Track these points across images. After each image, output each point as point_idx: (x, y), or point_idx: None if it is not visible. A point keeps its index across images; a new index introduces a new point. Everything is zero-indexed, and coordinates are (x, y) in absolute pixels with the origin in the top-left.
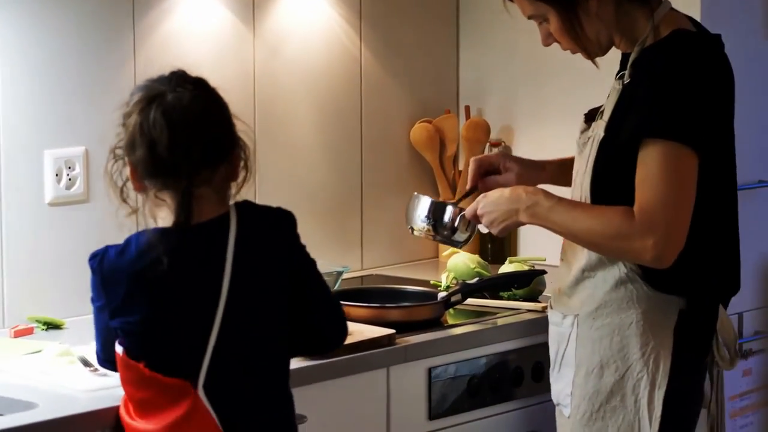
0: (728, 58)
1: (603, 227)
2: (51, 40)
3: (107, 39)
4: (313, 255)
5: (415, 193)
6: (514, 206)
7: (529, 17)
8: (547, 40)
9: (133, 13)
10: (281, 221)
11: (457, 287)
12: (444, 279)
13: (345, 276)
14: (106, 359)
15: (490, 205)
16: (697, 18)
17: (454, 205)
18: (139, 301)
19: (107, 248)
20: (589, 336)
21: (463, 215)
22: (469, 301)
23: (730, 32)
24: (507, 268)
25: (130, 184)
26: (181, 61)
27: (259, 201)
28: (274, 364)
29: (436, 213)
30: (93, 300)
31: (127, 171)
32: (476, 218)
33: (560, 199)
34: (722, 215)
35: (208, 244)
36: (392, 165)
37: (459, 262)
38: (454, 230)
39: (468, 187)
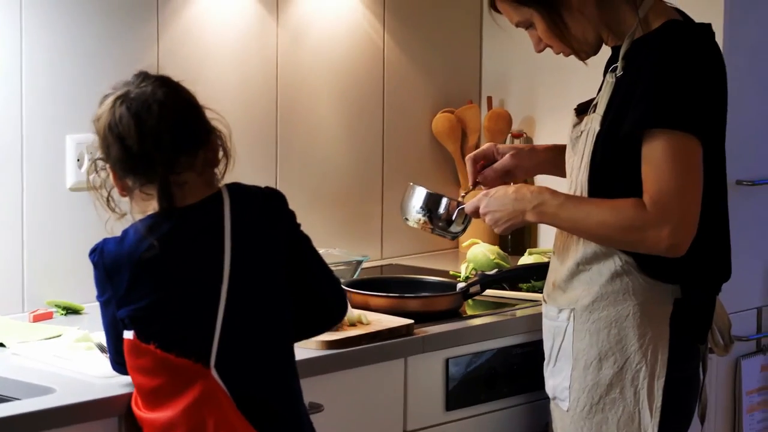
0: (719, 48)
1: (616, 220)
2: (74, 26)
3: (130, 25)
4: (333, 243)
5: (411, 184)
6: (520, 206)
7: (517, 25)
8: (539, 45)
9: (156, 1)
10: (273, 197)
11: (476, 278)
12: (463, 269)
13: (365, 265)
14: (119, 362)
15: (494, 204)
16: (721, 8)
17: (450, 198)
18: (143, 287)
19: (105, 240)
20: (586, 329)
21: (462, 209)
22: (488, 292)
23: (755, 23)
24: (526, 259)
25: (115, 193)
26: (203, 48)
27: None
28: (281, 339)
29: (431, 204)
30: (98, 296)
31: (111, 179)
32: (476, 215)
33: (568, 196)
34: (714, 204)
35: (204, 222)
36: (414, 155)
37: (478, 252)
38: (449, 222)
39: (471, 184)
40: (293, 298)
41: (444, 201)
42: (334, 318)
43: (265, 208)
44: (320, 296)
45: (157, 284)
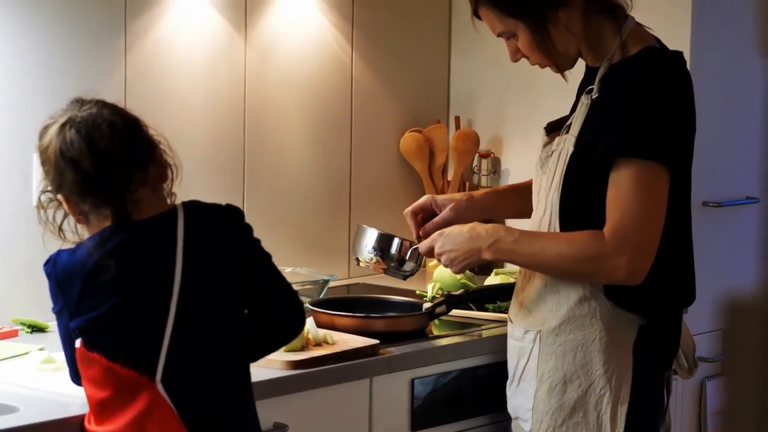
0: (690, 75)
1: (573, 251)
2: (41, 42)
3: (98, 41)
4: (300, 262)
5: (362, 225)
6: (476, 244)
7: (498, 35)
8: (516, 55)
9: (124, 17)
10: (228, 213)
11: (443, 298)
12: (430, 289)
13: (332, 284)
14: (74, 373)
15: (450, 243)
16: (687, 33)
17: (402, 238)
18: (93, 298)
19: (59, 252)
20: (552, 352)
21: (416, 249)
22: (454, 312)
23: (720, 48)
24: (493, 280)
25: (66, 224)
26: (171, 66)
27: (247, 207)
28: (232, 353)
29: (382, 245)
30: (53, 308)
31: (61, 211)
32: (431, 254)
33: (523, 232)
34: (679, 229)
35: (156, 236)
36: (381, 174)
37: (445, 272)
38: (402, 262)
39: (415, 238)
40: (249, 313)
41: (396, 241)
42: (289, 334)
43: (220, 224)
44: (276, 312)
45: (107, 295)
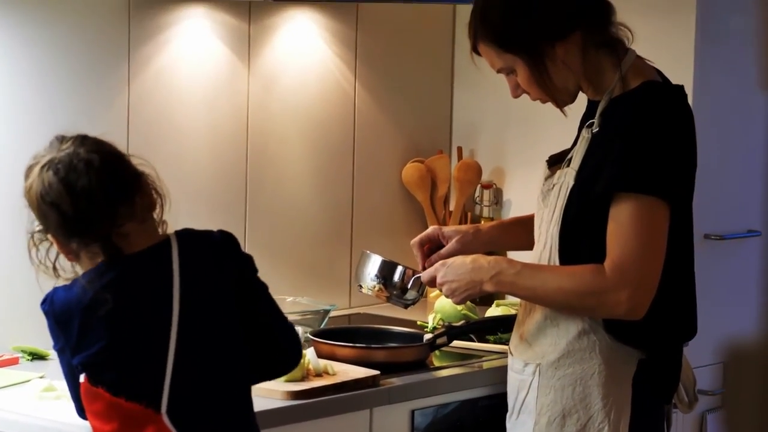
0: (691, 110)
1: (574, 285)
2: (44, 72)
3: (102, 70)
4: (300, 292)
5: (366, 251)
6: (478, 276)
7: (498, 70)
8: (516, 91)
9: (128, 45)
10: (223, 241)
11: (444, 329)
12: (431, 320)
13: (333, 314)
14: (80, 407)
15: (452, 274)
16: (690, 66)
17: (405, 266)
18: (93, 333)
19: (55, 289)
20: (551, 385)
21: (418, 278)
22: (455, 343)
23: (723, 83)
24: (494, 311)
25: (59, 262)
26: (175, 95)
27: (248, 235)
28: (234, 382)
29: (386, 272)
30: (54, 346)
31: (53, 249)
32: (433, 284)
33: (525, 264)
34: (680, 263)
35: (151, 268)
36: (383, 203)
37: (446, 303)
38: (404, 290)
39: (420, 269)
40: (248, 342)
41: (399, 269)
42: (285, 366)
43: (215, 253)
44: (272, 344)
45: (106, 330)
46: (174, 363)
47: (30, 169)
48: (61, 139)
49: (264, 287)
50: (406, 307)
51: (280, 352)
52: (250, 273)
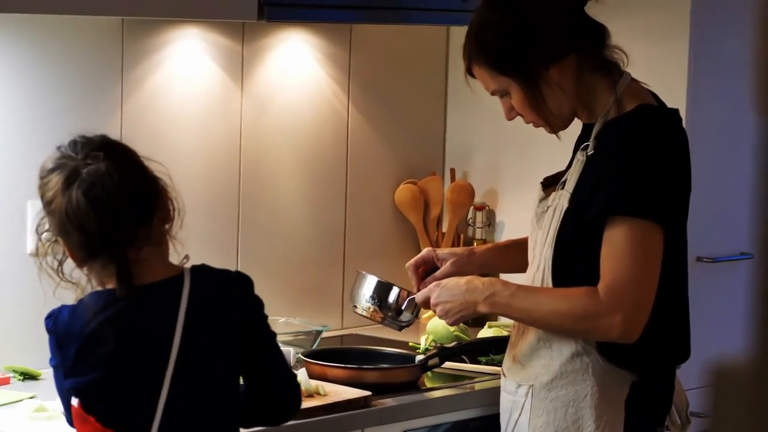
0: (686, 132)
1: (568, 308)
2: (36, 92)
3: (94, 91)
4: (293, 312)
5: (362, 272)
6: (472, 297)
7: (492, 93)
8: (510, 113)
9: (121, 65)
10: (236, 283)
11: (436, 350)
12: (423, 341)
13: (325, 335)
14: (70, 422)
15: (446, 295)
16: (684, 90)
17: (400, 287)
18: (89, 362)
19: (62, 308)
20: (543, 407)
21: (412, 299)
22: (447, 364)
23: (716, 107)
24: (486, 332)
25: (65, 264)
26: (167, 116)
27: (241, 255)
28: (224, 426)
29: (381, 293)
30: (50, 360)
31: (59, 250)
32: (427, 305)
33: (519, 286)
34: (674, 286)
35: (158, 305)
36: (376, 225)
37: (438, 324)
38: (399, 312)
39: (416, 292)
40: (247, 387)
41: (394, 290)
42: (282, 415)
43: (226, 295)
44: (271, 392)
45: (102, 362)
46: (165, 403)
47: (49, 172)
48: (86, 142)
49: (272, 335)
50: (400, 329)
51: (278, 401)
52: (260, 319)
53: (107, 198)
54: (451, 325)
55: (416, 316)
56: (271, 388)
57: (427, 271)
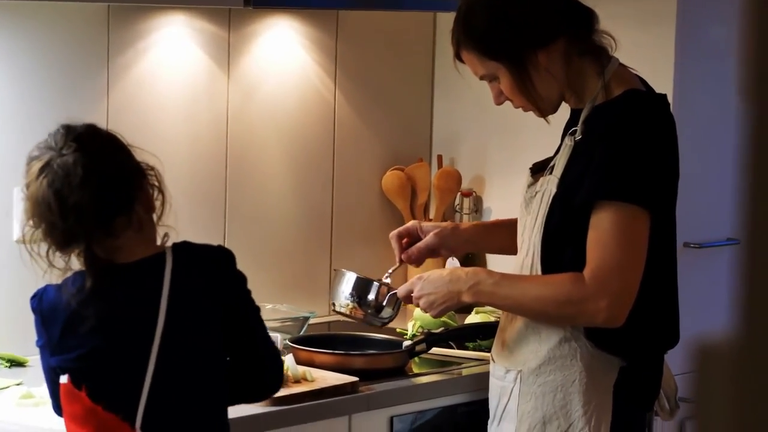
0: (674, 118)
1: (553, 294)
2: (22, 79)
3: (80, 78)
4: (280, 299)
5: (340, 269)
6: (455, 288)
7: (481, 77)
8: (499, 98)
9: (107, 53)
10: (219, 259)
11: (423, 336)
12: (410, 327)
13: (312, 321)
14: (56, 405)
15: (429, 287)
16: (671, 75)
17: (380, 282)
18: (74, 338)
19: (46, 287)
20: (532, 392)
21: (394, 294)
22: (434, 350)
23: (703, 92)
24: (473, 318)
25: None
26: (154, 103)
27: (228, 243)
28: (211, 402)
29: (360, 290)
30: (36, 341)
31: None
32: (409, 299)
33: (503, 275)
34: (663, 271)
35: (142, 283)
36: (363, 212)
37: None
38: (379, 308)
39: (397, 261)
40: (231, 362)
41: (374, 286)
42: (265, 390)
43: (209, 270)
44: (254, 367)
45: (87, 338)
46: (152, 379)
47: (31, 161)
48: (66, 132)
49: (255, 310)
50: (382, 325)
51: (261, 375)
52: (242, 294)
53: (69, 192)
54: (436, 317)
55: (397, 311)
56: (252, 364)
57: (410, 242)
